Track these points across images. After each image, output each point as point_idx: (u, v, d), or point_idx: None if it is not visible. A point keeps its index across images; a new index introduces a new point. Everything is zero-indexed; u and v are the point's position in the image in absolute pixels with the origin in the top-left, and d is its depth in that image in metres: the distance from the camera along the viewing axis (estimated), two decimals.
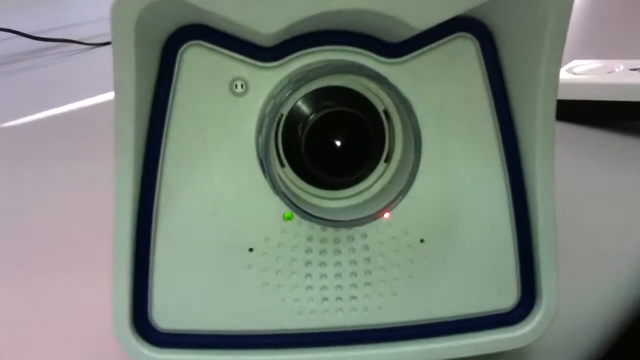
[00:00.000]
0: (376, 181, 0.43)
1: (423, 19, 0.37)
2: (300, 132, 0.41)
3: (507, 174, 0.44)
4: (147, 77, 0.40)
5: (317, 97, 0.42)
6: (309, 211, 0.40)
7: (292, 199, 0.40)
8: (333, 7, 0.36)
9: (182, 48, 0.41)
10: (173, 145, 0.42)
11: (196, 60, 0.41)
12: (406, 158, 0.41)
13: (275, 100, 0.40)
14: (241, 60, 0.41)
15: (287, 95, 0.39)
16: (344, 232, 0.43)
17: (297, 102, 0.42)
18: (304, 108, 0.42)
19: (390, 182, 0.43)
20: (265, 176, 0.42)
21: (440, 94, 0.43)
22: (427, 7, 0.37)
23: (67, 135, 0.86)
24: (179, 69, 0.41)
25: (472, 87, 0.43)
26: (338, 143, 0.41)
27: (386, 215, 0.42)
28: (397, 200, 0.40)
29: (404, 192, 0.40)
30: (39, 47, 1.19)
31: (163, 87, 0.41)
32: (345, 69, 0.40)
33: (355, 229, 0.43)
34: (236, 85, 0.42)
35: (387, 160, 0.43)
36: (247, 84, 0.42)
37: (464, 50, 0.43)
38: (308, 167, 0.41)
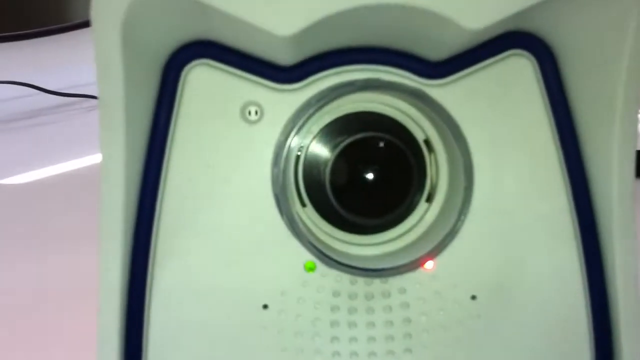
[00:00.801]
0: (417, 224, 0.36)
1: (477, 17, 0.31)
2: (324, 164, 0.34)
3: (575, 215, 0.36)
4: (142, 101, 0.34)
5: (344, 124, 0.35)
6: (336, 259, 0.33)
7: (315, 244, 0.33)
8: (366, 1, 0.30)
9: (187, 68, 0.35)
10: (174, 183, 0.35)
11: (203, 81, 0.35)
12: (453, 196, 0.34)
13: (294, 128, 0.34)
14: (255, 82, 0.35)
15: (308, 121, 0.33)
16: (377, 286, 0.36)
17: (320, 130, 0.35)
18: (330, 137, 0.35)
19: (434, 224, 0.35)
20: (282, 217, 0.35)
21: (492, 121, 0.36)
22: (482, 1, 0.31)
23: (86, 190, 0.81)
24: (182, 92, 0.35)
25: (531, 113, 0.36)
26: (370, 177, 0.34)
27: (429, 265, 0.35)
28: (443, 247, 0.33)
29: (451, 236, 0.33)
30: (60, 103, 1.17)
31: (163, 113, 0.35)
32: (378, 86, 0.33)
33: (392, 282, 0.36)
34: (249, 112, 0.35)
35: (430, 199, 0.36)
36: (261, 110, 0.35)
37: (519, 70, 0.36)
38: (334, 206, 0.34)
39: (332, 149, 0.34)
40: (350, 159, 0.34)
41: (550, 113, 0.36)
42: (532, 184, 0.36)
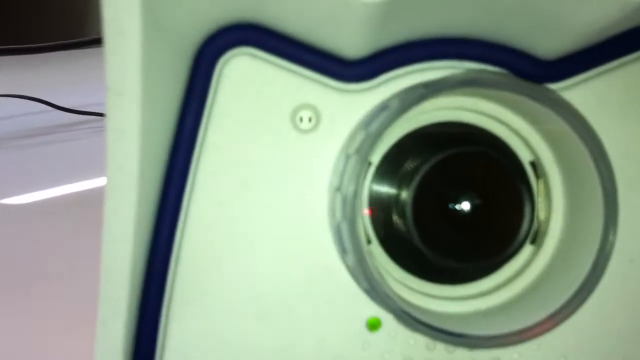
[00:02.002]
0: (519, 274, 0.27)
1: None
2: (400, 189, 0.26)
3: None
4: (164, 97, 0.26)
5: (423, 138, 0.27)
6: (409, 316, 0.24)
7: (382, 295, 0.24)
8: None
9: (224, 58, 0.27)
10: (199, 207, 0.27)
11: (243, 76, 0.27)
12: (575, 240, 0.25)
13: (363, 140, 0.25)
14: (311, 79, 0.27)
15: (379, 131, 0.24)
16: (462, 356, 0.27)
17: (395, 143, 0.27)
18: (406, 153, 0.27)
19: (544, 277, 0.26)
20: (341, 257, 0.26)
21: (623, 138, 0.27)
22: None
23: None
24: (216, 89, 0.27)
25: None
26: (464, 207, 0.25)
27: (543, 330, 0.26)
28: (566, 314, 0.24)
29: (578, 297, 0.24)
30: (74, 121, 1.11)
31: (190, 115, 0.27)
32: (482, 82, 0.25)
33: (480, 354, 0.27)
34: (302, 118, 0.27)
35: (535, 240, 0.27)
36: (318, 115, 0.27)
37: None
38: (412, 244, 0.25)
39: (415, 169, 0.25)
40: (438, 183, 0.25)
41: None
42: None
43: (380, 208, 0.27)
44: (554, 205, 0.27)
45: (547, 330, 0.24)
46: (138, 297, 0.27)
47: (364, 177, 0.25)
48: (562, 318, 0.23)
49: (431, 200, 0.25)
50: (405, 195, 0.25)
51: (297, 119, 0.27)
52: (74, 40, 1.12)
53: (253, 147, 0.27)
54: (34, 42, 1.12)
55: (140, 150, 0.24)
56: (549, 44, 0.26)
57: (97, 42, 1.13)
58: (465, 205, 0.25)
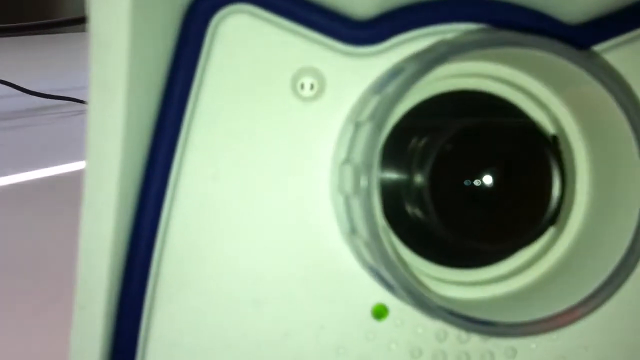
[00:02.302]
0: (539, 258, 0.25)
1: None
2: (410, 168, 0.23)
3: None
4: (153, 55, 0.23)
5: (440, 111, 0.25)
6: (419, 302, 0.22)
7: (392, 279, 0.22)
8: None
9: (218, 15, 0.24)
10: (189, 183, 0.24)
11: (239, 37, 0.24)
12: (605, 221, 0.23)
13: (378, 105, 0.23)
14: (315, 41, 0.24)
15: (397, 94, 0.22)
16: (476, 345, 0.25)
17: (406, 113, 0.24)
18: (417, 128, 0.24)
19: (567, 262, 0.24)
20: (346, 238, 0.24)
21: None
22: None
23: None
24: (210, 49, 0.24)
25: None
26: (487, 183, 0.23)
27: (569, 320, 0.23)
28: (596, 302, 0.22)
29: (609, 286, 0.21)
30: (44, 105, 1.07)
31: (179, 80, 0.24)
32: (520, 43, 0.22)
33: (496, 342, 0.25)
34: (303, 85, 0.24)
35: (555, 221, 0.25)
36: (322, 82, 0.24)
37: None
38: (432, 224, 0.23)
39: (427, 143, 0.23)
40: (457, 157, 0.23)
41: None
42: None
43: (387, 189, 0.24)
44: (578, 185, 0.24)
45: (578, 318, 0.22)
46: (120, 279, 0.24)
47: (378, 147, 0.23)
48: (596, 304, 0.21)
49: (449, 177, 0.23)
50: (419, 174, 0.23)
51: (299, 85, 0.24)
52: (46, 20, 1.08)
53: (250, 115, 0.24)
54: (3, 23, 1.07)
55: (125, 111, 0.21)
56: (576, 5, 0.24)
57: (70, 23, 1.09)
58: (488, 181, 0.23)
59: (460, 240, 0.23)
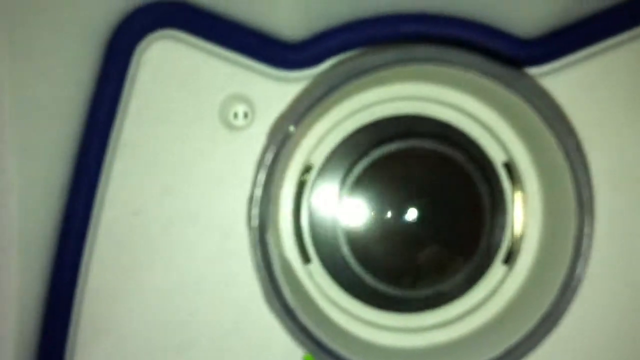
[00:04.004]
0: (488, 299, 0.23)
1: None
2: (340, 196, 0.21)
3: None
4: (72, 85, 0.22)
5: (375, 134, 0.23)
6: (352, 353, 0.20)
7: (318, 329, 0.20)
8: None
9: (144, 41, 0.23)
10: (113, 214, 0.23)
11: (166, 63, 0.23)
12: (552, 256, 0.21)
13: (291, 133, 0.21)
14: (245, 66, 0.23)
15: (317, 123, 0.20)
16: None
17: (341, 142, 0.23)
18: (353, 153, 0.22)
19: (519, 301, 0.22)
20: (261, 283, 0.22)
21: (629, 130, 0.22)
22: None
23: None
24: (134, 77, 0.23)
25: None
26: (411, 216, 0.21)
27: None
28: (536, 341, 0.19)
29: (549, 322, 0.19)
30: None
31: (102, 107, 0.23)
32: (442, 59, 0.20)
33: None
34: (236, 114, 0.23)
35: (510, 259, 0.22)
36: (252, 109, 0.23)
37: None
38: (349, 265, 0.21)
39: (349, 170, 0.21)
40: (379, 189, 0.21)
41: None
42: None
43: (324, 220, 0.22)
44: (531, 218, 0.22)
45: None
46: (36, 328, 0.23)
47: (299, 186, 0.21)
48: (523, 353, 0.19)
49: (370, 210, 0.21)
50: (341, 204, 0.21)
51: (231, 113, 0.23)
52: None
53: (176, 146, 0.23)
54: None
55: (15, 145, 0.20)
56: (529, 15, 0.22)
57: None
58: (412, 217, 0.21)
59: (377, 281, 0.21)
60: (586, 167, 0.20)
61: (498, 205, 0.22)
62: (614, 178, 0.21)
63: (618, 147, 0.21)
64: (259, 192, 0.20)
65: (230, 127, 0.23)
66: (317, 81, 0.21)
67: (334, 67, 0.21)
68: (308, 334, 0.20)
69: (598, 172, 0.21)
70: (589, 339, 0.21)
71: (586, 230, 0.19)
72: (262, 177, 0.21)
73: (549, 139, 0.19)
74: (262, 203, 0.20)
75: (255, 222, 0.21)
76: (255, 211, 0.21)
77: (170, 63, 0.23)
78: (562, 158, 0.19)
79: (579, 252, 0.19)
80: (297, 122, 0.21)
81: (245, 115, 0.23)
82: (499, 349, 0.20)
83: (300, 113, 0.20)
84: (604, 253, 0.20)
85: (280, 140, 0.21)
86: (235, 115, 0.23)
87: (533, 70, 0.22)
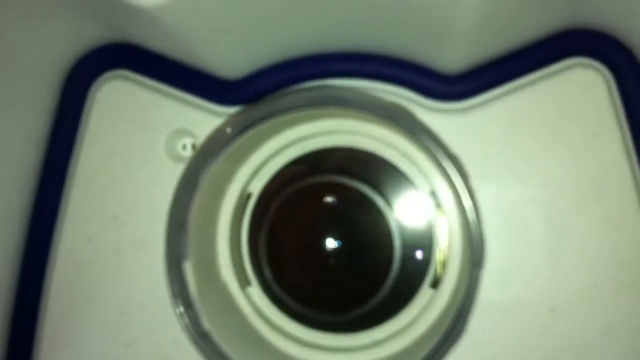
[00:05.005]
0: (417, 319, 0.24)
1: None
2: (268, 223, 0.23)
3: None
4: (30, 123, 0.24)
5: (310, 164, 0.24)
6: None
7: (231, 352, 0.21)
8: None
9: (99, 80, 0.25)
10: (69, 241, 0.25)
11: (117, 100, 0.25)
12: (467, 274, 0.22)
13: (225, 163, 0.22)
14: (188, 102, 0.25)
15: (251, 155, 0.22)
16: None
17: (277, 173, 0.24)
18: (281, 181, 0.24)
19: (443, 319, 0.23)
20: (177, 311, 0.23)
21: (544, 163, 0.23)
22: None
23: None
24: (88, 115, 0.25)
25: (609, 152, 0.23)
26: (332, 245, 0.22)
27: None
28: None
29: (451, 339, 0.20)
30: None
31: (59, 143, 0.25)
32: (340, 104, 0.21)
33: None
34: (184, 146, 0.24)
35: (436, 284, 0.23)
36: (197, 141, 0.24)
37: (583, 89, 0.23)
38: (273, 288, 0.22)
39: (275, 199, 0.23)
40: (302, 218, 0.22)
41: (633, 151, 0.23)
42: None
43: (259, 244, 0.24)
44: (453, 244, 0.23)
45: None
46: (3, 342, 0.25)
47: (241, 211, 0.23)
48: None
49: (292, 238, 0.22)
50: (263, 222, 0.22)
51: (179, 146, 0.25)
52: None
53: (125, 177, 0.25)
54: None
55: None
56: (451, 54, 0.23)
57: None
58: (331, 245, 0.22)
59: (298, 306, 0.22)
60: (473, 197, 0.21)
61: (423, 233, 0.23)
62: (525, 208, 0.22)
63: (529, 180, 0.23)
64: (174, 221, 0.21)
65: (176, 158, 0.25)
66: (244, 113, 0.23)
67: (262, 102, 0.23)
68: (223, 356, 0.22)
69: (510, 202, 0.22)
70: (486, 352, 0.22)
71: (477, 250, 0.20)
72: (177, 205, 0.22)
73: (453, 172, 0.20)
74: (178, 231, 0.21)
75: (172, 250, 0.22)
76: (171, 242, 0.22)
77: (120, 101, 0.25)
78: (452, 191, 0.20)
79: (476, 273, 0.20)
80: (219, 149, 0.22)
81: (193, 146, 0.25)
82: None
83: (223, 141, 0.22)
84: (494, 273, 0.22)
85: (196, 166, 0.22)
86: (184, 147, 0.25)
87: (452, 106, 0.23)
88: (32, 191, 0.25)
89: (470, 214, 0.20)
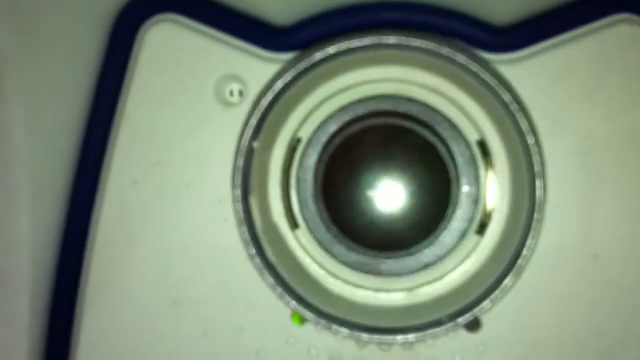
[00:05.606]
0: (460, 264, 0.24)
1: None
2: (319, 165, 0.23)
3: None
4: (74, 68, 0.24)
5: (356, 112, 0.24)
6: (336, 310, 0.22)
7: (303, 289, 0.22)
8: None
9: (146, 24, 0.25)
10: (115, 183, 0.25)
11: (165, 44, 0.25)
12: (518, 225, 0.22)
13: (280, 112, 0.23)
14: (238, 48, 0.25)
15: (302, 102, 0.22)
16: (398, 354, 0.24)
17: (324, 120, 0.24)
18: (332, 127, 0.24)
19: (487, 267, 0.24)
20: (249, 248, 0.24)
21: (586, 116, 0.24)
22: None
23: None
24: (136, 57, 0.25)
25: None
26: (388, 190, 0.23)
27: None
28: (494, 300, 0.21)
29: (503, 285, 0.21)
30: None
31: (107, 85, 0.25)
32: (405, 44, 0.22)
33: (419, 349, 0.24)
34: (231, 92, 0.25)
35: (482, 229, 0.24)
36: (246, 87, 0.25)
37: (628, 43, 0.24)
38: (331, 230, 0.23)
39: (328, 144, 0.23)
40: (357, 162, 0.23)
41: None
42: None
43: (308, 189, 0.24)
44: (501, 192, 0.24)
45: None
46: (50, 281, 0.25)
47: (289, 160, 0.23)
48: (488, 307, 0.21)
49: (347, 180, 0.23)
50: (319, 169, 0.23)
51: (226, 91, 0.25)
52: None
53: (173, 121, 0.25)
54: None
55: (26, 117, 0.22)
56: (500, 5, 0.24)
57: None
58: (387, 188, 0.23)
59: (352, 243, 0.23)
60: (540, 148, 0.21)
61: (470, 181, 0.24)
62: (568, 157, 0.23)
63: (573, 131, 0.23)
64: (241, 161, 0.22)
65: (224, 103, 0.25)
66: (295, 60, 0.23)
67: (316, 49, 0.23)
68: (289, 289, 0.22)
69: (554, 152, 0.22)
70: (546, 303, 0.23)
71: (538, 202, 0.21)
72: (243, 147, 0.23)
73: (509, 122, 0.21)
74: (245, 171, 0.22)
75: (238, 189, 0.23)
76: (238, 179, 0.23)
77: (169, 45, 0.25)
78: (518, 139, 0.21)
79: (530, 222, 0.21)
80: (278, 96, 0.23)
81: (240, 93, 0.25)
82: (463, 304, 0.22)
83: (281, 88, 0.22)
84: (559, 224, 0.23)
85: (262, 112, 0.23)
86: (231, 92, 0.25)
87: (501, 57, 0.24)
88: (79, 132, 0.25)
89: (537, 166, 0.20)
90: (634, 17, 0.24)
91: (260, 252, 0.23)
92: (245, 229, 0.23)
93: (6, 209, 0.23)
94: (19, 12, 0.23)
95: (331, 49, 0.22)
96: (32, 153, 0.23)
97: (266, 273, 0.23)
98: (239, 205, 0.23)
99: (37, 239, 0.24)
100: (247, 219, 0.23)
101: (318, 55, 0.22)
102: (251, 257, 0.23)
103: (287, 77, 0.22)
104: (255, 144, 0.23)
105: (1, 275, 0.24)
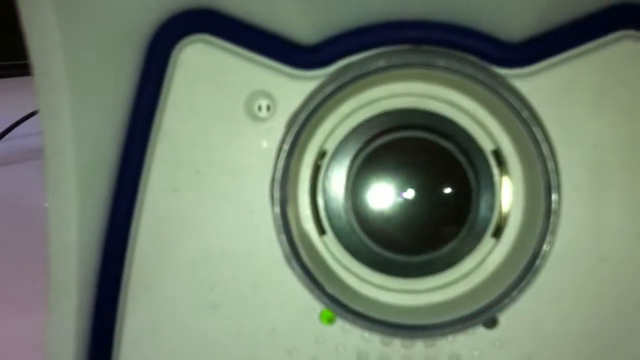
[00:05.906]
0: (478, 267, 0.26)
1: None
2: (348, 178, 0.25)
3: None
4: (114, 85, 0.26)
5: (380, 125, 0.26)
6: (362, 310, 0.24)
7: (333, 289, 0.24)
8: None
9: (180, 44, 0.27)
10: (154, 195, 0.27)
11: (198, 63, 0.27)
12: (533, 228, 0.24)
13: (310, 127, 0.25)
14: (266, 66, 0.26)
15: (329, 116, 0.24)
16: (420, 350, 0.26)
17: (350, 132, 0.26)
18: (360, 141, 0.26)
19: (502, 268, 0.25)
20: (285, 250, 0.25)
21: (595, 126, 0.26)
22: None
23: None
24: (171, 75, 0.27)
25: None
26: (410, 195, 0.24)
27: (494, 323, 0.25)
28: (511, 300, 0.23)
29: (521, 284, 0.23)
30: None
31: (145, 102, 0.27)
32: (430, 64, 0.24)
33: (441, 345, 0.26)
34: (260, 107, 0.26)
35: (498, 233, 0.26)
36: (274, 102, 0.26)
37: (632, 58, 0.25)
38: (358, 236, 0.25)
39: (356, 155, 0.25)
40: (382, 172, 0.24)
41: None
42: None
43: (336, 197, 0.26)
44: (515, 198, 0.25)
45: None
46: (93, 285, 0.27)
47: (315, 170, 0.25)
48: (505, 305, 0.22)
49: (376, 189, 0.24)
50: (349, 184, 0.25)
51: (255, 107, 0.26)
52: None
53: (207, 134, 0.27)
54: None
55: (74, 130, 0.24)
56: (513, 23, 0.25)
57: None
58: (417, 191, 0.24)
59: (378, 247, 0.24)
60: (554, 155, 0.23)
61: (486, 188, 0.25)
62: (577, 164, 0.25)
63: (582, 140, 0.25)
64: (279, 174, 0.24)
65: (254, 118, 0.26)
66: (329, 79, 0.25)
67: (343, 67, 0.25)
68: (323, 291, 0.24)
69: (565, 159, 0.24)
70: (558, 302, 0.25)
71: (553, 207, 0.23)
72: (281, 161, 0.25)
73: (523, 131, 0.23)
74: (282, 183, 0.24)
75: (277, 199, 0.24)
76: (277, 190, 0.24)
77: (202, 63, 0.27)
78: (533, 148, 0.22)
79: (547, 226, 0.23)
80: (311, 114, 0.25)
81: (268, 108, 0.27)
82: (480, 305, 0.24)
83: (314, 107, 0.24)
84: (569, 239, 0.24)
85: (297, 130, 0.25)
86: (260, 108, 0.27)
87: (514, 72, 0.25)
88: (120, 144, 0.27)
89: (549, 168, 0.22)
90: (636, 33, 0.26)
91: (297, 257, 0.25)
92: (284, 237, 0.25)
93: (58, 219, 0.25)
94: (67, 31, 0.24)
95: (363, 69, 0.23)
96: (79, 165, 0.25)
97: (302, 276, 0.25)
98: (278, 214, 0.25)
99: (83, 246, 0.26)
100: (285, 226, 0.25)
101: (349, 75, 0.24)
102: (288, 261, 0.25)
103: (319, 97, 0.24)
104: (291, 157, 0.25)
105: (51, 281, 0.25)
